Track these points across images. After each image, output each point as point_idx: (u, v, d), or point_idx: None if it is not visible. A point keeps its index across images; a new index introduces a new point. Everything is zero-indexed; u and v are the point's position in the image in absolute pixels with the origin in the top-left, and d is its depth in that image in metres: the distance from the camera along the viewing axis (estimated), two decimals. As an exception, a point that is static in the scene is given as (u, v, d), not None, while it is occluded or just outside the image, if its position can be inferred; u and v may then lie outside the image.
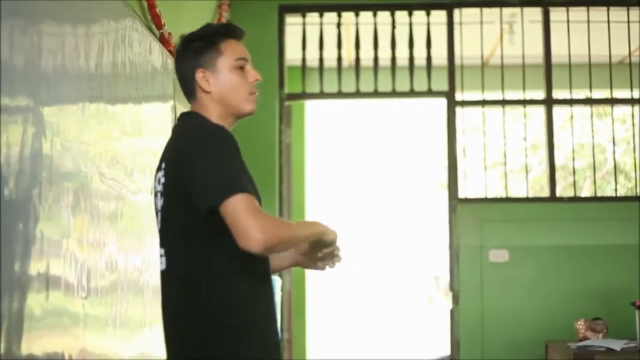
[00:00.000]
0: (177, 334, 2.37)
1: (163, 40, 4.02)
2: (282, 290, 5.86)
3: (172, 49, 4.13)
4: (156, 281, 3.62)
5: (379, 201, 20.04)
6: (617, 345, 4.56)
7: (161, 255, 2.42)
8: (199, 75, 2.46)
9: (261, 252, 2.22)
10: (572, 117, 6.45)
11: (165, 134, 3.85)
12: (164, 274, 2.42)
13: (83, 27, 2.89)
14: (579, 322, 4.97)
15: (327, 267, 2.68)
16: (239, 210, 2.20)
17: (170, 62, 4.14)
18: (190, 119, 2.49)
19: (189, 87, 2.51)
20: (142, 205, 3.56)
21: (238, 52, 2.50)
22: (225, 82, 2.46)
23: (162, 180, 2.41)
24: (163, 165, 2.43)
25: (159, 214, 2.44)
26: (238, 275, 2.33)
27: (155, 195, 2.46)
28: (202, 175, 2.27)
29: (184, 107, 2.72)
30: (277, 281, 5.19)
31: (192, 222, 2.30)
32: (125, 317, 3.28)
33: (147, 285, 3.59)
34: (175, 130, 2.51)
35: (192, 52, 2.48)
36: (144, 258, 3.57)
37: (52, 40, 2.59)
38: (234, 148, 2.33)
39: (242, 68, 2.49)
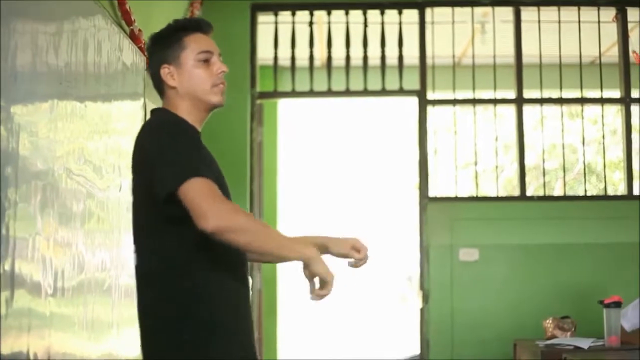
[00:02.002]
0: (148, 331, 2.37)
1: (133, 37, 3.99)
2: (252, 289, 5.85)
3: (143, 46, 4.10)
4: (125, 281, 3.62)
5: (352, 201, 20.04)
6: (585, 343, 4.58)
7: (134, 252, 2.42)
8: (164, 71, 2.47)
9: (213, 231, 2.18)
10: (542, 117, 6.49)
11: (136, 132, 3.84)
12: (136, 270, 2.42)
13: (52, 24, 2.87)
14: (548, 321, 5.00)
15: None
16: (195, 193, 2.19)
17: (141, 59, 4.12)
18: (155, 115, 2.51)
19: (157, 84, 2.52)
20: (112, 204, 3.54)
21: (202, 45, 2.50)
22: (189, 76, 2.47)
23: (131, 177, 2.42)
24: (132, 162, 2.43)
25: (132, 211, 2.44)
26: (205, 269, 2.32)
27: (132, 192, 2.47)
28: (158, 165, 2.28)
29: (154, 104, 2.71)
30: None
31: (155, 216, 2.31)
32: (93, 317, 3.26)
33: (115, 285, 3.57)
34: (142, 126, 2.52)
35: (158, 49, 2.50)
36: (113, 257, 3.55)
37: (21, 37, 2.57)
38: (189, 137, 2.34)
39: (207, 61, 2.49)
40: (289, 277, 8.64)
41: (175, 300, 2.31)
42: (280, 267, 8.27)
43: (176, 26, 2.53)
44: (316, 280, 2.36)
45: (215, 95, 2.50)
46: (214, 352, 2.30)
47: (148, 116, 2.60)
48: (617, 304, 4.58)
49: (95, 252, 3.31)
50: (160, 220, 2.31)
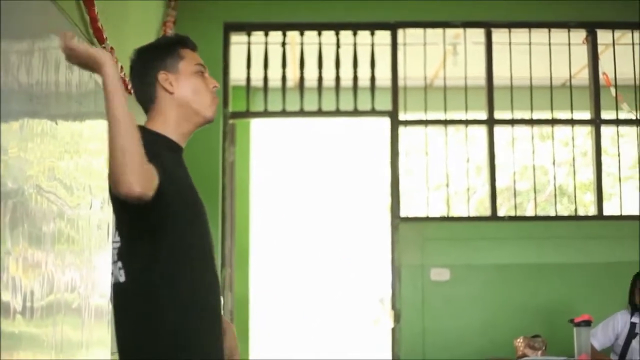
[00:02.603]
0: (123, 345, 2.35)
1: (105, 56, 3.98)
2: (224, 310, 5.82)
3: (115, 64, 4.09)
4: (95, 301, 3.59)
5: (324, 220, 20.03)
6: (556, 362, 4.61)
7: (119, 268, 2.38)
8: (162, 76, 2.44)
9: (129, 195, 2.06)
10: (513, 138, 6.54)
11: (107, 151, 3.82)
12: (118, 286, 2.38)
13: (23, 41, 2.85)
14: (518, 340, 5.02)
15: None
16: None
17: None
18: None
19: (148, 93, 2.47)
20: (83, 222, 3.52)
21: (197, 59, 2.51)
22: (188, 85, 2.46)
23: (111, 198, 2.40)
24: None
25: (115, 229, 2.43)
26: (181, 284, 2.31)
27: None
28: None
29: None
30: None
31: (129, 231, 2.29)
32: (62, 338, 3.23)
33: (85, 305, 3.54)
34: None
35: (153, 58, 2.47)
36: (83, 276, 3.52)
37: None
38: (162, 151, 2.31)
39: (202, 74, 2.50)
40: (262, 298, 8.62)
41: (146, 315, 2.30)
42: (253, 287, 8.25)
43: (169, 39, 2.56)
44: None
45: (212, 109, 2.49)
46: None
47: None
48: (587, 323, 4.61)
49: (65, 272, 3.28)
50: (134, 236, 2.29)
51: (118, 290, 2.39)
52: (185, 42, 2.53)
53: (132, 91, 2.56)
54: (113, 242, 2.42)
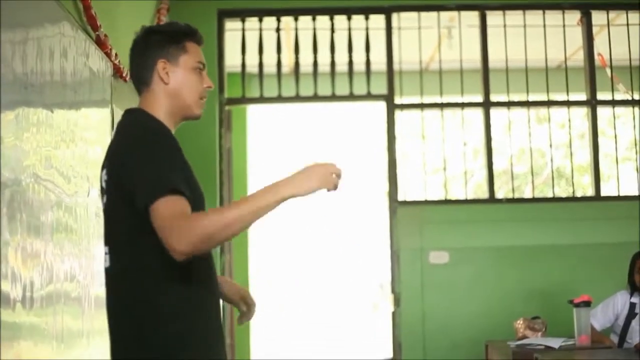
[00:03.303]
0: (119, 334, 2.35)
1: (99, 43, 3.97)
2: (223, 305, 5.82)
3: (109, 51, 4.08)
4: (95, 290, 3.59)
5: (322, 206, 20.05)
6: (556, 343, 4.62)
7: (105, 253, 2.40)
8: (161, 65, 2.46)
9: (183, 259, 2.15)
10: (510, 122, 6.53)
11: (104, 139, 3.82)
12: (108, 272, 2.40)
13: (17, 30, 2.84)
14: (518, 322, 5.03)
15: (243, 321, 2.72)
16: (162, 217, 2.16)
17: (107, 65, 4.09)
18: (133, 115, 2.48)
19: (144, 76, 2.48)
20: (80, 210, 3.51)
21: (199, 56, 2.53)
22: (184, 79, 2.48)
23: (105, 177, 2.40)
24: (106, 163, 2.41)
25: (104, 212, 2.42)
26: (181, 275, 2.30)
27: (100, 192, 2.43)
28: (137, 173, 2.26)
29: (122, 110, 2.68)
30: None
31: (132, 220, 2.28)
32: (63, 327, 3.23)
33: (85, 295, 3.54)
34: (118, 127, 2.49)
35: (157, 42, 2.48)
36: (82, 266, 3.52)
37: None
38: (170, 146, 2.33)
39: (199, 72, 2.52)
40: (262, 284, 8.63)
41: (148, 304, 2.29)
42: (252, 274, 8.26)
43: (179, 28, 2.53)
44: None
45: (199, 108, 2.52)
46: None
47: (118, 118, 2.57)
48: (587, 304, 4.62)
49: (65, 261, 3.28)
50: (137, 225, 2.28)
51: (107, 276, 2.40)
52: (194, 35, 2.54)
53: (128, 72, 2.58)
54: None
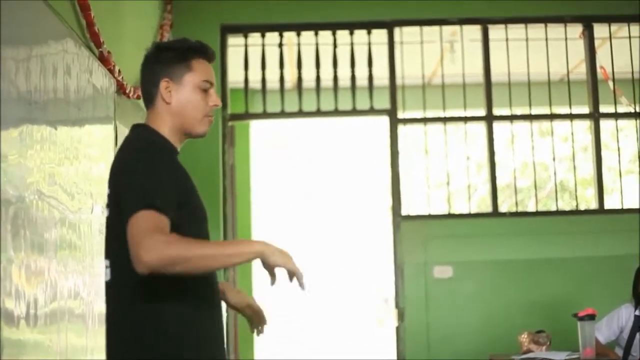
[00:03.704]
0: (117, 346, 2.36)
1: (102, 59, 3.98)
2: (227, 312, 5.82)
3: (112, 68, 4.09)
4: (99, 306, 3.59)
5: (326, 221, 20.04)
6: (560, 356, 4.61)
7: (106, 267, 2.41)
8: (164, 84, 2.46)
9: (144, 272, 2.15)
10: (513, 135, 6.53)
11: (108, 156, 3.82)
12: (108, 285, 2.40)
13: (21, 47, 2.85)
14: (523, 335, 5.01)
15: (256, 331, 2.68)
16: (136, 229, 2.17)
17: (111, 81, 4.10)
18: (137, 131, 2.50)
19: (150, 93, 2.50)
20: (84, 227, 3.52)
21: (206, 74, 2.51)
22: (186, 99, 2.47)
23: (108, 191, 2.41)
24: (109, 178, 2.43)
25: (106, 225, 2.43)
26: (180, 285, 2.31)
27: (105, 207, 2.45)
28: (127, 187, 2.29)
29: (125, 127, 2.70)
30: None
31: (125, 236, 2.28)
32: (67, 344, 3.22)
33: (89, 312, 3.54)
34: (123, 142, 2.52)
35: (163, 60, 2.49)
36: (86, 282, 3.52)
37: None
38: (167, 164, 2.34)
39: (205, 90, 2.50)
40: (265, 300, 8.60)
41: (147, 317, 2.30)
42: (256, 290, 8.25)
43: (187, 45, 2.53)
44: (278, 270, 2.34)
45: (204, 126, 2.51)
46: None
47: (123, 135, 2.59)
48: (591, 317, 4.61)
49: (68, 278, 3.28)
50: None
51: (107, 289, 2.41)
52: (202, 52, 2.53)
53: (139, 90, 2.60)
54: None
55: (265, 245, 2.28)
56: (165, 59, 2.49)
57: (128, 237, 2.18)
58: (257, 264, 2.33)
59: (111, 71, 4.09)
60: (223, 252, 2.28)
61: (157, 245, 2.13)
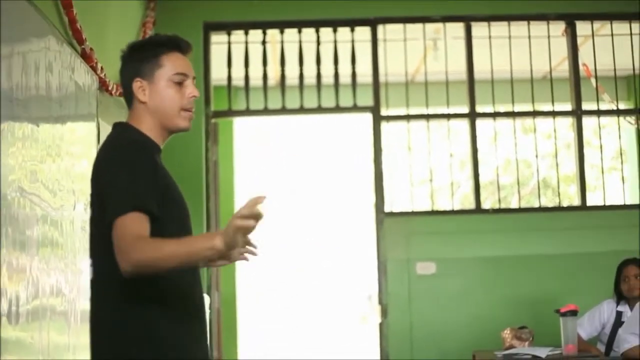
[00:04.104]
0: (100, 345, 2.36)
1: (85, 56, 3.97)
2: (210, 309, 5.82)
3: (95, 65, 4.08)
4: (81, 304, 3.58)
5: (309, 218, 20.04)
6: (543, 352, 4.63)
7: (90, 266, 2.40)
8: (136, 84, 2.46)
9: (128, 273, 2.21)
10: (496, 133, 6.55)
11: (90, 153, 3.81)
12: (92, 284, 2.40)
13: (3, 44, 2.83)
14: (505, 331, 5.04)
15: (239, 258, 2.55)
16: (120, 234, 2.21)
17: (93, 79, 4.09)
18: (117, 129, 2.49)
19: (126, 94, 2.50)
20: (66, 224, 3.50)
21: (178, 67, 2.49)
22: (160, 95, 2.46)
23: (90, 190, 2.41)
24: (92, 176, 2.43)
25: (89, 224, 2.43)
26: (164, 287, 2.31)
27: (90, 205, 2.45)
28: (109, 188, 2.30)
29: (108, 124, 2.69)
30: (205, 299, 5.12)
31: (108, 236, 2.28)
32: (49, 342, 3.21)
33: (71, 310, 3.52)
34: (105, 140, 2.51)
35: (134, 61, 2.48)
36: (68, 280, 3.50)
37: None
38: (143, 161, 2.33)
39: (180, 83, 2.48)
40: (249, 296, 8.61)
41: (128, 315, 2.30)
42: (240, 286, 8.24)
43: (156, 41, 2.52)
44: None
45: (183, 120, 2.50)
46: None
47: (106, 132, 2.58)
48: (574, 313, 4.64)
49: (51, 275, 3.27)
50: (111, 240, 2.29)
51: (92, 288, 2.41)
52: (173, 45, 2.51)
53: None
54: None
55: (219, 239, 2.20)
56: (136, 58, 2.48)
57: (113, 239, 2.22)
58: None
59: (94, 68, 4.08)
60: (182, 251, 2.23)
61: (131, 253, 2.18)
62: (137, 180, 2.27)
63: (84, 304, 3.64)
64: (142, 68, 2.46)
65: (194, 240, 2.27)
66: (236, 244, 2.19)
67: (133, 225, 2.20)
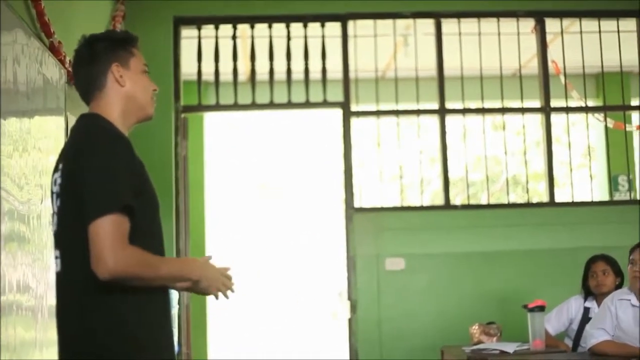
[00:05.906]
0: (68, 339, 2.34)
1: (53, 49, 3.93)
2: (179, 304, 5.79)
3: (63, 58, 4.04)
4: (49, 300, 3.55)
5: (279, 213, 20.02)
6: (510, 347, 4.66)
7: (56, 257, 2.39)
8: (115, 68, 2.50)
9: (105, 279, 2.21)
10: (465, 129, 6.58)
11: (58, 147, 3.77)
12: (59, 276, 2.38)
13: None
14: (474, 327, 5.06)
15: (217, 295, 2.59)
16: (101, 234, 2.21)
17: (62, 72, 4.05)
18: (88, 120, 2.47)
19: (96, 80, 2.49)
20: (34, 221, 3.47)
21: (143, 59, 2.60)
22: (135, 81, 2.53)
23: (59, 181, 2.39)
24: (60, 166, 2.40)
25: (55, 215, 2.40)
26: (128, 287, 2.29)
27: (52, 196, 2.42)
28: (87, 184, 2.28)
29: (76, 117, 2.66)
30: (174, 294, 5.10)
31: (82, 231, 2.26)
32: (16, 339, 3.18)
33: (39, 305, 3.49)
34: (73, 131, 2.49)
35: (106, 48, 2.52)
36: (36, 275, 3.47)
37: None
38: (123, 155, 2.33)
39: (145, 74, 2.59)
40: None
41: (97, 309, 2.29)
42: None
43: (124, 35, 2.61)
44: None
45: (152, 108, 2.59)
46: None
47: (72, 126, 2.56)
48: (541, 308, 4.66)
49: (17, 270, 3.24)
50: (85, 236, 2.27)
51: (58, 280, 2.39)
52: (135, 41, 2.60)
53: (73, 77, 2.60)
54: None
55: (196, 268, 2.45)
56: (110, 47, 2.52)
57: (90, 241, 2.21)
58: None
59: (62, 62, 4.04)
60: (166, 273, 2.38)
61: (127, 258, 2.21)
62: (119, 177, 2.27)
63: (52, 299, 3.61)
64: (120, 55, 2.52)
65: (180, 267, 2.50)
66: (212, 290, 2.47)
67: (116, 231, 2.21)
